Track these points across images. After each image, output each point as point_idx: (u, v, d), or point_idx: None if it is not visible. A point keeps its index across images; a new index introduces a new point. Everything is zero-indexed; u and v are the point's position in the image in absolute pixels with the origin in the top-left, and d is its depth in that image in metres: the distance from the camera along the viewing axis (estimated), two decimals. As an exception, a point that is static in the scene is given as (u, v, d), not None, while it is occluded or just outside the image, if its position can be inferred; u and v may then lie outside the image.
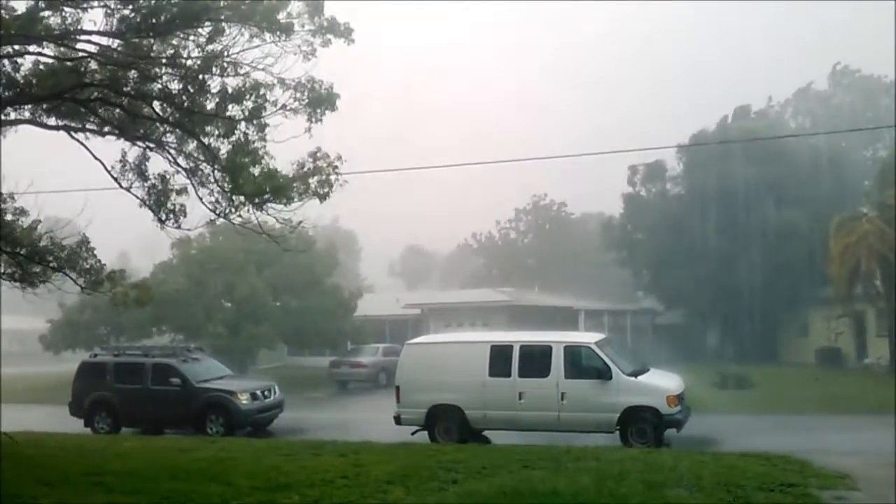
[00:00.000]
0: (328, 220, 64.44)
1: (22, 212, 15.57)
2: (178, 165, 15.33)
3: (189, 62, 14.22)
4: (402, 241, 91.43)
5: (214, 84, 14.44)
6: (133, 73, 14.34)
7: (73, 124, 15.15)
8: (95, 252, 15.75)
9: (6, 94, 14.25)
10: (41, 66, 14.35)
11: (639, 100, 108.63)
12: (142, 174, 15.52)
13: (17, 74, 14.28)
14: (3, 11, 13.11)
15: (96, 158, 15.04)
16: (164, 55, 14.18)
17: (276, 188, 14.45)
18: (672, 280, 44.42)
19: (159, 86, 14.63)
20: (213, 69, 14.05)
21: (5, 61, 14.11)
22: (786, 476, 12.08)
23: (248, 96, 14.34)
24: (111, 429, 21.65)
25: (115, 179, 15.37)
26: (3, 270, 15.95)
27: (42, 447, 16.49)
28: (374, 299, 47.50)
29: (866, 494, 11.27)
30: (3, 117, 14.69)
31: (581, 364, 17.50)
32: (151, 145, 15.36)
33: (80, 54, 14.07)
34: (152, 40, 13.96)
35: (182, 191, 15.48)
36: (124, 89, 14.43)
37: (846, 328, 38.13)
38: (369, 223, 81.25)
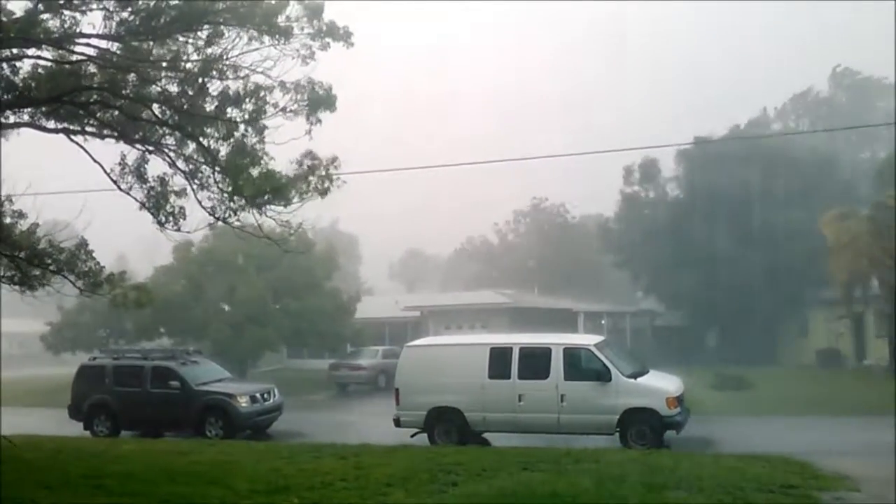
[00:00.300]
0: (327, 223, 64.42)
1: (20, 214, 15.56)
2: (178, 168, 15.33)
3: (188, 65, 14.23)
4: (402, 244, 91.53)
5: (214, 87, 14.47)
6: (132, 76, 14.35)
7: (72, 127, 15.13)
8: (94, 254, 15.75)
9: (5, 97, 14.25)
10: (40, 70, 14.35)
11: (638, 101, 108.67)
12: (141, 177, 15.51)
13: (16, 78, 14.27)
14: (1, 15, 13.11)
15: (95, 161, 15.03)
16: (163, 58, 14.19)
17: (276, 188, 14.46)
18: (671, 282, 44.42)
19: (158, 89, 14.63)
20: (213, 72, 14.07)
21: (4, 65, 14.11)
22: (786, 477, 12.09)
23: (247, 99, 14.35)
24: (110, 432, 21.64)
25: (115, 182, 15.36)
26: (2, 273, 15.93)
27: (41, 450, 16.47)
28: (373, 301, 47.53)
29: (866, 495, 11.28)
30: (2, 120, 14.69)
31: (580, 366, 17.51)
32: (150, 148, 15.36)
33: (79, 57, 14.07)
34: (151, 43, 13.96)
35: (181, 193, 15.48)
36: (123, 92, 14.43)
37: (846, 329, 38.14)
38: (369, 226, 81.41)
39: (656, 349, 42.14)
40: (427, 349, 19.98)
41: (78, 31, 13.61)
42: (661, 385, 17.44)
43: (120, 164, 15.45)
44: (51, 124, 15.15)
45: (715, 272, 41.18)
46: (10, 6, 13.34)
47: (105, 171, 15.21)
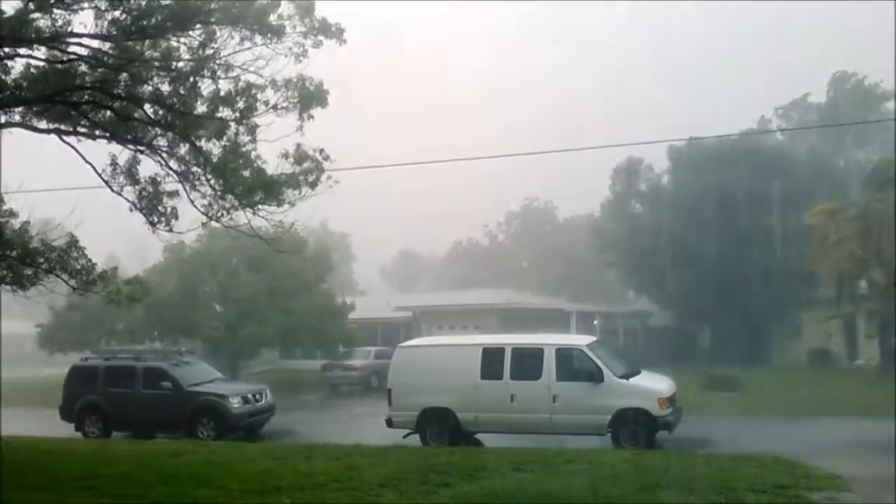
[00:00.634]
0: (318, 223, 64.34)
1: (12, 213, 15.52)
2: (170, 168, 15.30)
3: (180, 64, 14.19)
4: (395, 245, 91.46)
5: (205, 86, 14.43)
6: (124, 76, 14.30)
7: (63, 127, 15.09)
8: (86, 252, 15.70)
9: (-3, 97, 14.20)
10: (32, 69, 14.30)
11: (631, 101, 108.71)
12: (132, 177, 15.47)
13: (8, 77, 14.22)
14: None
15: (87, 162, 15.00)
16: (154, 58, 14.14)
17: (267, 185, 14.44)
18: (663, 282, 44.47)
19: (150, 88, 14.59)
20: (204, 71, 14.03)
21: (-5, 64, 14.06)
22: (777, 478, 12.13)
23: (238, 98, 14.32)
24: (102, 433, 21.57)
25: (106, 183, 15.32)
26: (-4, 273, 15.87)
27: (33, 451, 16.42)
28: (365, 302, 47.47)
29: (857, 495, 11.32)
30: (-6, 120, 14.64)
31: (573, 366, 17.52)
32: (142, 148, 15.32)
33: (71, 57, 14.02)
34: (143, 43, 13.92)
35: (173, 194, 15.45)
36: (115, 92, 14.38)
37: (836, 330, 38.28)
38: (361, 226, 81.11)
39: (648, 349, 42.21)
40: (419, 350, 19.97)
41: (69, 30, 13.55)
42: (652, 385, 17.47)
43: (111, 164, 15.42)
44: (42, 124, 15.10)
45: (707, 272, 41.28)
46: (0, 6, 13.31)
47: (96, 172, 15.19)
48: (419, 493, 11.61)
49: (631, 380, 17.47)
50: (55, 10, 13.26)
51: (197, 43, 13.97)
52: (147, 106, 14.74)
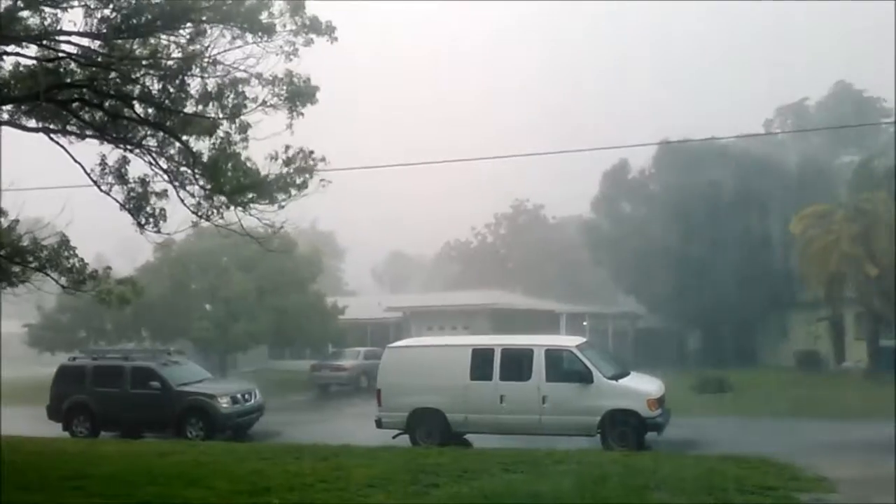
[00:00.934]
0: (307, 224, 64.20)
1: (1, 211, 15.44)
2: (160, 167, 15.22)
3: (170, 62, 14.12)
4: (386, 246, 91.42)
5: (195, 84, 14.37)
6: (113, 75, 14.23)
7: (52, 126, 15.01)
8: (76, 251, 15.63)
9: (-16, 94, 14.11)
10: (21, 67, 14.22)
11: (630, 102, 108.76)
12: (121, 177, 15.39)
13: (-4, 75, 14.15)
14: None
15: (76, 161, 14.91)
16: (144, 56, 14.07)
17: (256, 184, 14.40)
18: (652, 284, 44.54)
19: (139, 86, 14.51)
20: (194, 68, 13.97)
21: (-17, 62, 13.98)
22: (765, 479, 12.20)
23: (227, 94, 14.26)
24: (90, 433, 21.50)
25: (95, 182, 15.24)
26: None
27: (20, 451, 16.33)
28: (355, 302, 47.43)
29: (844, 497, 11.38)
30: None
31: (562, 367, 17.56)
32: (132, 148, 15.24)
33: (60, 55, 13.95)
34: (133, 41, 13.86)
35: (162, 194, 15.37)
36: (104, 89, 14.31)
37: (825, 331, 38.42)
38: (352, 226, 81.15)
39: (638, 351, 42.29)
40: (409, 350, 19.99)
41: (59, 28, 13.48)
42: (642, 387, 17.52)
43: (100, 164, 15.33)
44: (31, 123, 15.01)
45: (696, 275, 41.38)
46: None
47: (85, 171, 15.08)
48: (408, 494, 11.62)
49: (620, 381, 17.51)
50: (44, 8, 13.19)
51: (187, 42, 13.91)
52: (136, 104, 14.68)
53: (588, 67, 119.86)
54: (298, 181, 14.68)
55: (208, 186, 14.77)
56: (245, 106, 14.33)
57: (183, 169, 15.05)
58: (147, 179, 15.37)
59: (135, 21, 13.26)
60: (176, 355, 23.95)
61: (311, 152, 14.71)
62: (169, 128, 14.59)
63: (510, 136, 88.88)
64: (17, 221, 15.49)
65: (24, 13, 13.19)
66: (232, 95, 14.25)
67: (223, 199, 14.78)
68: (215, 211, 15.15)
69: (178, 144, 14.89)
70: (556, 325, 40.93)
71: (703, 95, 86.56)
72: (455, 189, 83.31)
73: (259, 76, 14.08)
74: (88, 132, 15.00)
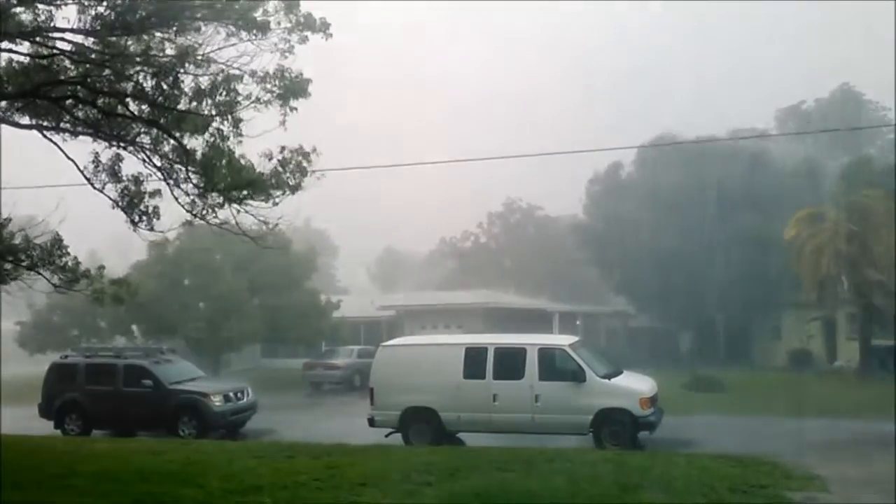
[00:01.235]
0: (302, 222, 64.10)
1: (-7, 209, 15.38)
2: (154, 165, 15.18)
3: (163, 59, 14.09)
4: (379, 244, 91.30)
5: (188, 81, 14.33)
6: (107, 72, 14.19)
7: (46, 123, 14.96)
8: (69, 250, 15.58)
9: (-23, 91, 14.06)
10: (14, 64, 14.17)
11: (622, 103, 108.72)
12: (115, 175, 15.34)
13: (-11, 72, 14.10)
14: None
15: (69, 158, 14.87)
16: (137, 53, 14.03)
17: (251, 181, 14.37)
18: (644, 283, 44.59)
19: (133, 83, 14.47)
20: (187, 64, 13.93)
21: (-24, 59, 13.93)
22: (757, 478, 12.23)
23: (220, 90, 14.22)
24: (82, 431, 21.47)
25: (88, 180, 15.19)
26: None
27: (11, 449, 16.27)
28: (349, 301, 47.38)
29: (836, 496, 11.42)
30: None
31: (555, 366, 17.59)
32: (125, 145, 15.19)
33: (54, 52, 13.91)
34: (127, 38, 13.82)
35: (155, 193, 15.32)
36: (98, 86, 14.27)
37: (817, 331, 38.56)
38: (345, 224, 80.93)
39: (631, 350, 42.35)
40: (402, 349, 19.99)
41: (52, 24, 13.44)
42: (634, 385, 17.57)
43: (94, 162, 15.29)
44: (24, 120, 14.97)
45: (688, 274, 41.45)
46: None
47: (79, 169, 15.03)
48: (401, 493, 11.60)
49: (613, 380, 17.55)
50: (38, 5, 13.15)
51: (180, 38, 13.88)
52: (130, 102, 14.64)
53: (585, 67, 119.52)
54: (291, 183, 14.66)
55: (202, 184, 14.73)
56: (238, 103, 14.29)
57: (177, 166, 15.00)
58: (140, 178, 15.33)
59: (129, 18, 13.22)
60: (168, 353, 23.89)
61: (308, 153, 14.69)
62: (162, 125, 14.53)
63: (504, 135, 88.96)
64: (9, 219, 15.42)
65: (18, 9, 13.14)
66: (225, 92, 14.21)
67: (217, 196, 14.75)
68: (210, 209, 15.11)
69: (171, 142, 14.84)
70: (549, 324, 41.01)
71: (703, 95, 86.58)
72: (448, 188, 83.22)
73: (253, 73, 14.07)
74: (82, 129, 14.94)
